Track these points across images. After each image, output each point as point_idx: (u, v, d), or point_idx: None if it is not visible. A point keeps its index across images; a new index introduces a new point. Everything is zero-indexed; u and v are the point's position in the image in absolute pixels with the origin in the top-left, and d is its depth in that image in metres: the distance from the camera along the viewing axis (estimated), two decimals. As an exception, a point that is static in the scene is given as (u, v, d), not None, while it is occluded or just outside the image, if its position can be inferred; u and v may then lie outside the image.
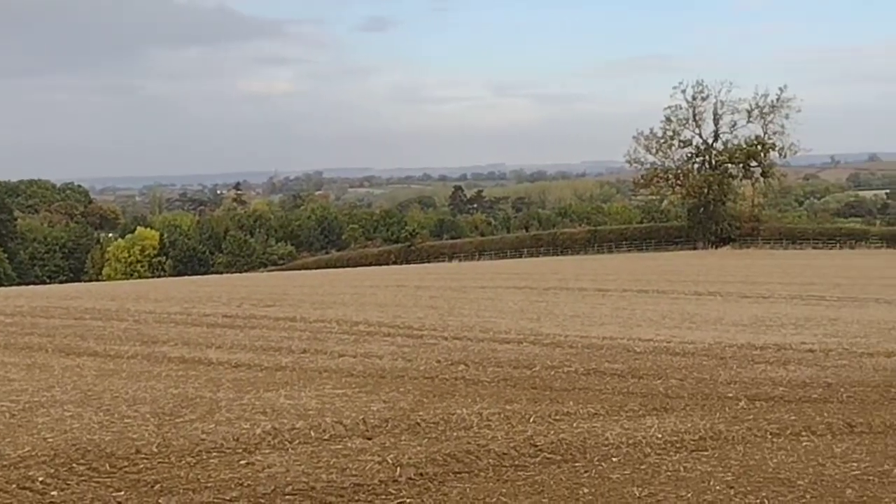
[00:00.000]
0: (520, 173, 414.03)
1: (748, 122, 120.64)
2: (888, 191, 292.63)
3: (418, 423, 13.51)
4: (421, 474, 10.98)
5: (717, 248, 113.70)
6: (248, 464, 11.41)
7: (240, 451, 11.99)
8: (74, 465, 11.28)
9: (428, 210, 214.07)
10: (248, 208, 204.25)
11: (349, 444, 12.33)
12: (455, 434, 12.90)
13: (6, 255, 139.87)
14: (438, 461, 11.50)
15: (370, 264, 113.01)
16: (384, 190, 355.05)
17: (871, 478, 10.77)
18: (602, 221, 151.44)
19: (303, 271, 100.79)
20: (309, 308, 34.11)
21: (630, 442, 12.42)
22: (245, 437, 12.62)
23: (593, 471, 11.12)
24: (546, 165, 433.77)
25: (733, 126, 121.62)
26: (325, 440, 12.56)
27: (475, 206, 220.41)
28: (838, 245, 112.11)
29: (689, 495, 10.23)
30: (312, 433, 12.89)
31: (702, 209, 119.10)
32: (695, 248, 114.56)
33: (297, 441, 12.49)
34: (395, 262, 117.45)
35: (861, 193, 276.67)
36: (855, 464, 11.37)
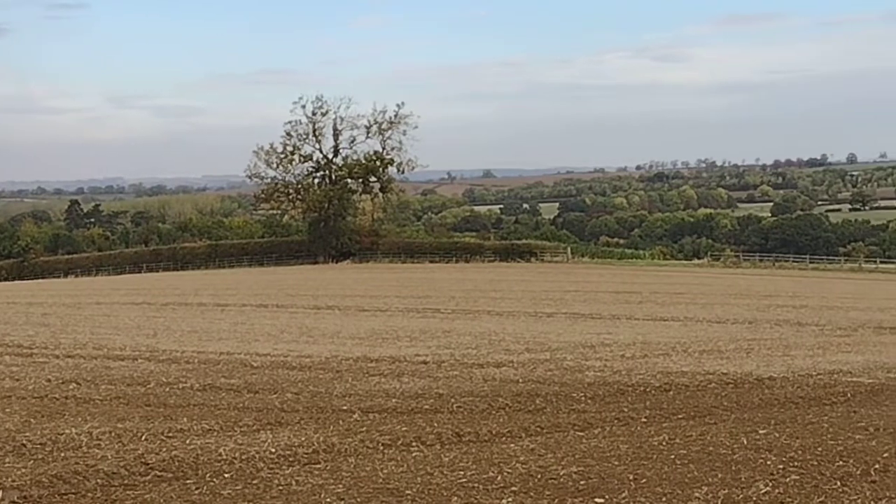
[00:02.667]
0: (139, 187, 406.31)
1: (367, 137, 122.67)
2: (501, 206, 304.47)
3: (24, 445, 13.03)
4: (25, 497, 10.58)
5: (337, 262, 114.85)
6: None
7: None
8: None
9: (42, 224, 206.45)
10: None
11: (-53, 470, 11.75)
12: (63, 454, 12.51)
13: None
14: (44, 483, 11.11)
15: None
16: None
17: (476, 485, 11.08)
18: (223, 236, 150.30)
19: None
20: (-90, 327, 32.41)
21: (243, 457, 12.36)
22: None
23: (205, 487, 11.01)
24: (166, 179, 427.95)
25: (353, 141, 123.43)
26: (-78, 466, 11.92)
27: (93, 220, 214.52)
28: (454, 259, 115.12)
29: (301, 508, 10.27)
30: None
31: (322, 224, 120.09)
32: (316, 263, 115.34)
33: None
34: (6, 279, 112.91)
35: (476, 208, 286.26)
36: (462, 472, 11.68)
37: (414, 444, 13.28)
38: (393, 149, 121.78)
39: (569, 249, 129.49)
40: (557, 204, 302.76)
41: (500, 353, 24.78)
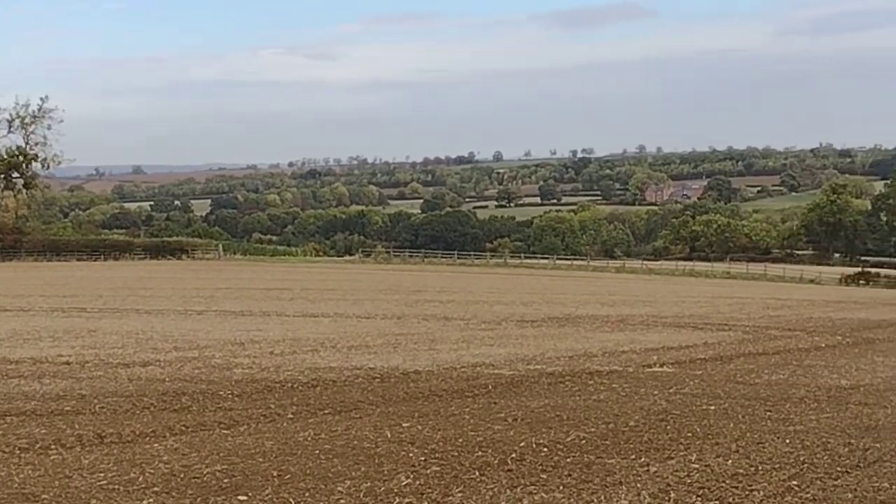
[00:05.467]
0: None
1: (10, 132, 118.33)
2: (152, 203, 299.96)
3: None
4: None
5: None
6: None
7: None
8: None
9: None
10: None
11: None
12: None
13: None
14: None
15: None
16: None
17: (116, 486, 10.84)
18: None
19: None
20: None
21: None
22: None
23: None
24: None
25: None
26: None
27: None
28: (103, 257, 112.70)
29: (-73, 519, 9.81)
30: None
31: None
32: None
33: None
34: None
35: (126, 205, 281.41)
36: (102, 474, 11.40)
37: (53, 446, 12.88)
38: (37, 144, 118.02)
39: (220, 247, 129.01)
40: (210, 201, 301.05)
41: (147, 352, 24.37)
